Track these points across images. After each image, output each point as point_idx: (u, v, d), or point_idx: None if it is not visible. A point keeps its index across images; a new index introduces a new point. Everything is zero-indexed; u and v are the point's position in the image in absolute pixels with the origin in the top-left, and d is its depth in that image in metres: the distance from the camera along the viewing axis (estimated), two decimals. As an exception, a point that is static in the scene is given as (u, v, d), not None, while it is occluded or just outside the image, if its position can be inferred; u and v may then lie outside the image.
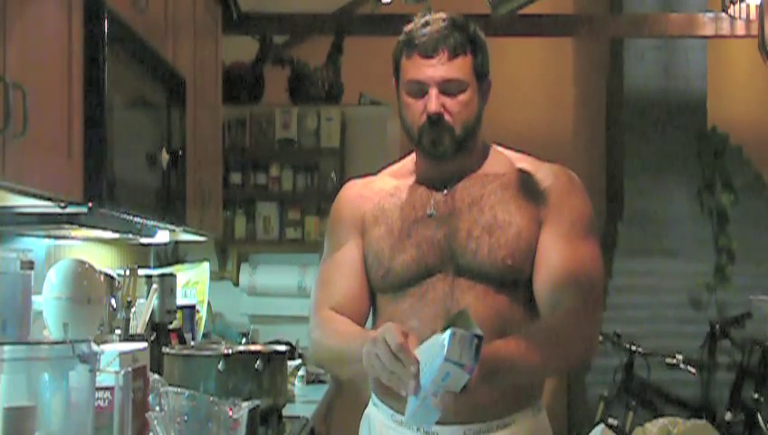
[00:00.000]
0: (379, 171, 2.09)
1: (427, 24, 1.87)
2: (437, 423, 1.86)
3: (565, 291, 1.83)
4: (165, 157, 2.57)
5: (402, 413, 1.90)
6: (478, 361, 1.50)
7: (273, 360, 2.48)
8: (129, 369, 1.81)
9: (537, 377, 1.92)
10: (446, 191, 1.93)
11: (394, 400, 1.92)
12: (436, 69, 1.84)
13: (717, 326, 5.72)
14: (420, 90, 1.86)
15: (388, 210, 1.96)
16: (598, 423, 5.18)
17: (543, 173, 1.95)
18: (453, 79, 1.84)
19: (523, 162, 1.98)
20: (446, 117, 1.85)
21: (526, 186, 1.92)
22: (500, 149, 2.02)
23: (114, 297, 2.71)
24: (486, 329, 1.82)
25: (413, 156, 2.01)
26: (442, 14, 1.89)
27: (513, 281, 1.88)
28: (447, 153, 1.88)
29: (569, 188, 1.93)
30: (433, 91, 1.84)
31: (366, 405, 2.08)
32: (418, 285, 1.89)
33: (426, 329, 1.83)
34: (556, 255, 1.86)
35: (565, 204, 1.91)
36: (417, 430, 1.90)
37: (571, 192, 1.93)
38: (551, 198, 1.91)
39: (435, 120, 1.84)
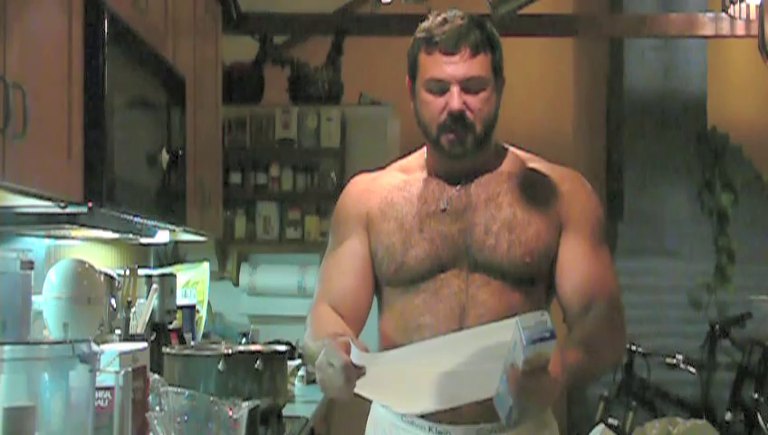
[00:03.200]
0: (387, 165, 2.07)
1: (445, 21, 1.85)
2: (450, 423, 1.87)
3: (596, 298, 1.85)
4: (165, 157, 2.57)
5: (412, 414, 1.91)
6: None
7: (273, 360, 2.48)
8: (129, 369, 1.81)
9: (584, 383, 1.91)
10: (459, 186, 1.92)
11: None
12: (458, 66, 1.82)
13: (717, 326, 5.72)
14: (441, 87, 1.84)
15: (398, 204, 1.94)
16: (598, 423, 5.18)
17: (558, 176, 1.95)
18: (475, 76, 1.83)
19: (535, 162, 1.98)
20: (468, 114, 1.83)
21: (542, 187, 1.93)
22: (510, 147, 2.01)
23: (114, 297, 2.71)
24: None
25: (422, 151, 2.00)
26: (458, 12, 1.87)
27: (529, 279, 1.89)
28: (467, 151, 1.87)
29: (586, 194, 1.96)
30: (455, 89, 1.82)
31: (368, 403, 2.07)
32: (432, 280, 1.88)
33: (440, 325, 1.85)
34: (584, 261, 1.89)
35: (586, 209, 1.93)
36: (429, 430, 1.89)
37: (589, 197, 1.96)
38: (571, 202, 1.92)
39: (457, 118, 1.83)
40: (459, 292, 1.87)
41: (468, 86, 1.83)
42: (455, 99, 1.82)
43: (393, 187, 1.97)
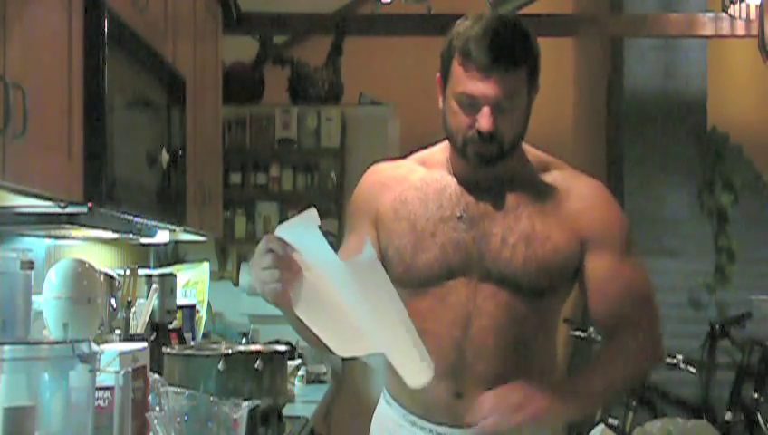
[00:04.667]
0: (407, 156, 2.03)
1: (485, 33, 1.76)
2: (451, 426, 1.87)
3: (623, 311, 1.87)
4: (165, 157, 2.57)
5: (414, 413, 1.91)
6: None
7: (273, 360, 2.48)
8: (129, 369, 1.81)
9: (607, 399, 1.98)
10: (478, 194, 1.88)
11: (407, 399, 1.92)
12: (493, 87, 1.76)
13: (717, 326, 5.71)
14: (473, 103, 1.78)
15: (411, 204, 1.90)
16: (598, 423, 5.17)
17: (580, 187, 1.92)
18: (509, 96, 1.77)
19: (557, 169, 1.94)
20: (497, 133, 1.79)
21: (564, 199, 1.89)
22: (530, 149, 1.96)
23: (114, 297, 2.71)
24: (505, 337, 1.84)
25: (444, 146, 1.94)
26: (498, 20, 1.80)
27: (540, 293, 1.86)
28: (492, 165, 1.83)
29: (608, 207, 1.93)
30: (486, 109, 1.77)
31: (368, 403, 2.08)
32: (440, 287, 1.85)
33: (445, 332, 1.83)
34: (611, 280, 1.88)
35: (609, 224, 1.91)
36: (430, 431, 1.89)
37: (611, 210, 1.93)
38: (593, 218, 1.89)
39: (486, 138, 1.79)
40: (467, 301, 1.84)
41: (500, 104, 1.78)
42: (486, 120, 1.77)
43: (409, 184, 1.93)
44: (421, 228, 1.87)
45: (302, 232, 1.65)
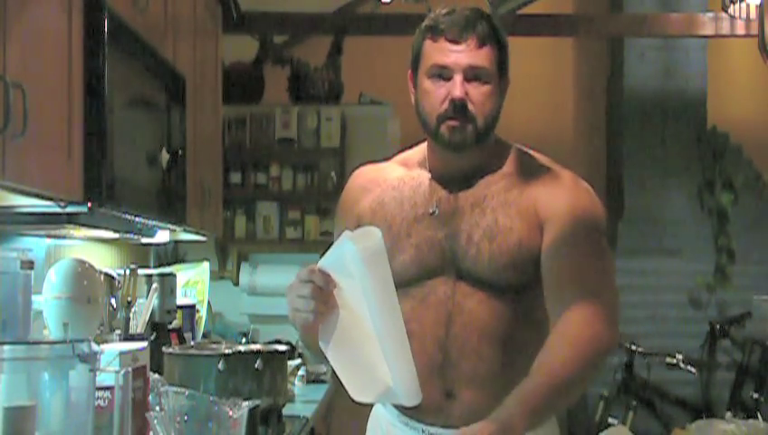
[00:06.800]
0: (391, 157, 2.03)
1: (453, 11, 1.83)
2: (443, 427, 1.86)
3: (566, 304, 1.74)
4: (165, 157, 2.57)
5: (407, 414, 1.90)
6: None
7: (273, 360, 2.48)
8: (129, 369, 1.81)
9: (570, 398, 1.73)
10: (450, 189, 1.87)
11: None
12: (463, 54, 1.79)
13: (717, 326, 5.72)
14: (444, 74, 1.80)
15: (388, 205, 1.90)
16: (599, 423, 5.19)
17: (547, 175, 1.87)
18: (479, 66, 1.80)
19: (535, 162, 1.91)
20: (470, 106, 1.80)
21: (527, 187, 1.85)
22: (515, 145, 1.95)
23: (114, 297, 2.71)
24: (489, 334, 1.82)
25: (423, 146, 1.95)
26: (465, 6, 1.85)
27: (515, 287, 1.83)
28: (466, 144, 1.82)
29: (569, 191, 1.85)
30: (458, 78, 1.79)
31: (368, 406, 2.07)
32: (420, 287, 1.85)
33: (426, 332, 1.82)
34: (556, 268, 1.79)
35: (563, 205, 1.82)
36: (422, 432, 1.89)
37: (572, 194, 1.85)
38: (548, 200, 1.83)
39: (458, 108, 1.79)
40: (446, 299, 1.83)
41: (472, 76, 1.80)
42: (457, 87, 1.79)
43: (388, 185, 1.94)
44: (397, 229, 1.87)
45: (337, 253, 1.66)
